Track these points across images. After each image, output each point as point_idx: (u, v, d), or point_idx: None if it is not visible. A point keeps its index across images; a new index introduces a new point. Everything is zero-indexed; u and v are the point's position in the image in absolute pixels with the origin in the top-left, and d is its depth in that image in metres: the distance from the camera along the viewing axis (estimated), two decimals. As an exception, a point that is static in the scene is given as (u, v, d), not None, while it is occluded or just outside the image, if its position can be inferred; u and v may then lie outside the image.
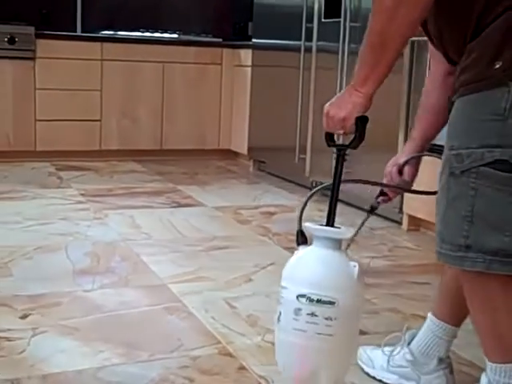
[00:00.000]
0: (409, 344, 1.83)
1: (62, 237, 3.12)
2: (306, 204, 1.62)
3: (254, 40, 5.03)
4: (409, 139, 1.89)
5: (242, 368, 1.91)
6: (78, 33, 5.45)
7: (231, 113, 5.40)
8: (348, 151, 1.57)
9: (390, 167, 1.84)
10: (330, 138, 1.58)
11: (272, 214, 3.69)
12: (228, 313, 2.30)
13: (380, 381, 1.87)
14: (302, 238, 1.56)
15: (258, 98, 4.99)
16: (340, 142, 1.60)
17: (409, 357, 1.81)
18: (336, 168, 1.55)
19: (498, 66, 1.36)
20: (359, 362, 1.93)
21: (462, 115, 1.43)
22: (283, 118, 4.57)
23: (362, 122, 1.50)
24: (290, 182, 4.64)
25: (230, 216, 3.65)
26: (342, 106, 1.51)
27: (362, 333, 1.97)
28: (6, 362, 1.89)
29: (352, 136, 1.54)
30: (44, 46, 4.89)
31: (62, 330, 2.11)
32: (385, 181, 1.87)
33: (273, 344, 2.04)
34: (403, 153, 1.86)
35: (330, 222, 1.53)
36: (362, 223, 1.85)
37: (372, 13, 1.44)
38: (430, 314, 1.80)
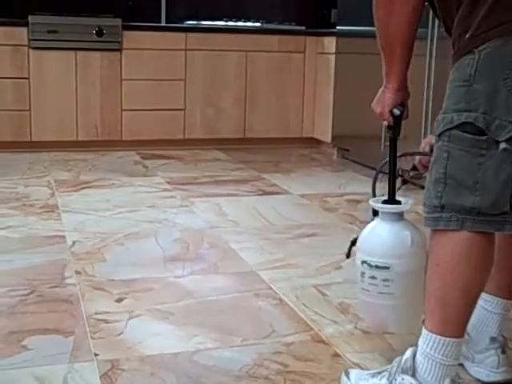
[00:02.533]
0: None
1: (150, 224, 3.17)
2: (375, 180, 1.89)
3: (338, 27, 4.96)
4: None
5: (336, 355, 1.90)
6: (163, 23, 5.53)
7: (314, 101, 5.37)
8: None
9: (424, 144, 1.89)
10: (388, 126, 1.76)
11: (358, 201, 3.64)
12: (319, 300, 2.28)
13: None
14: (375, 211, 1.80)
15: (342, 85, 4.92)
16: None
17: (464, 335, 1.77)
18: (389, 150, 1.79)
19: (467, 36, 1.44)
20: None
21: (448, 84, 1.51)
22: (368, 105, 4.49)
23: (393, 114, 1.71)
24: (375, 170, 4.57)
25: (316, 204, 3.63)
26: (378, 103, 1.73)
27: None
28: (105, 343, 1.94)
29: None
30: (130, 38, 4.98)
31: (156, 314, 2.14)
32: (417, 158, 1.96)
33: (366, 332, 2.04)
34: None
35: (391, 197, 1.78)
36: (396, 190, 1.93)
37: (374, 18, 1.63)
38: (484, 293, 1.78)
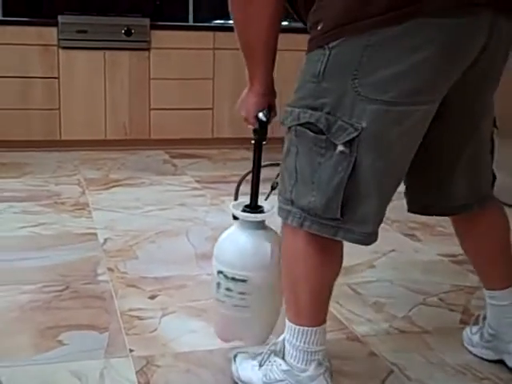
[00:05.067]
0: (485, 319, 1.83)
1: (181, 222, 3.17)
2: (239, 184, 1.80)
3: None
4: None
5: (373, 354, 1.88)
6: (190, 23, 5.53)
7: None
8: None
9: None
10: (254, 130, 1.67)
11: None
12: (353, 298, 2.26)
13: (481, 358, 1.84)
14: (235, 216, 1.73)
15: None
16: None
17: (491, 331, 1.78)
18: (254, 154, 1.69)
19: (319, 28, 1.37)
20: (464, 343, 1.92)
21: (299, 73, 1.44)
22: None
23: (259, 119, 1.61)
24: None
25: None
26: (242, 107, 1.64)
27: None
28: (139, 339, 1.94)
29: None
30: (158, 37, 5.00)
31: (189, 311, 2.14)
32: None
33: (402, 331, 2.02)
34: None
35: (252, 204, 1.69)
36: (266, 198, 1.87)
37: (233, 23, 1.52)
38: (484, 290, 1.79)
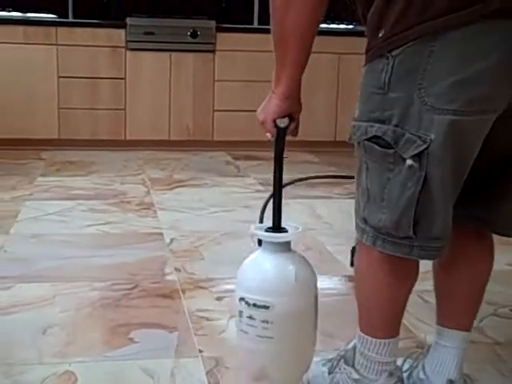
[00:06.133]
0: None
1: (245, 224, 3.16)
2: (265, 205, 1.69)
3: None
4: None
5: (443, 364, 1.85)
6: (255, 25, 5.56)
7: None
8: None
9: None
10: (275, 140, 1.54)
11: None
12: (422, 306, 2.24)
13: None
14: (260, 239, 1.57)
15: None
16: None
17: (421, 375, 1.64)
18: (274, 169, 1.54)
19: (380, 35, 1.29)
20: None
21: (360, 85, 1.38)
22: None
23: (277, 126, 1.48)
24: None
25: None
26: (263, 110, 1.51)
27: None
28: (208, 340, 1.96)
29: None
30: (223, 39, 5.04)
31: (256, 313, 2.15)
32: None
33: (473, 342, 1.98)
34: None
35: (276, 224, 1.53)
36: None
37: (270, 8, 1.41)
38: (435, 325, 1.65)
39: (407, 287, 1.50)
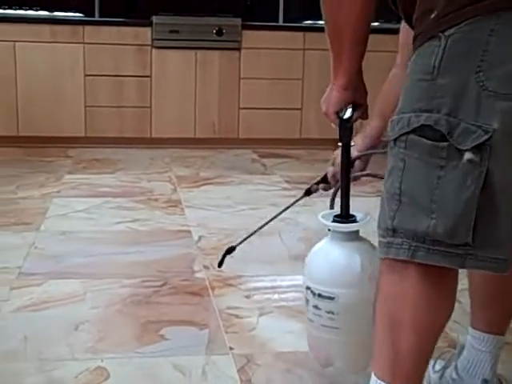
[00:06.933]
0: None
1: (273, 222, 3.17)
2: (335, 194, 1.66)
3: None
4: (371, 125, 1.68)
5: (476, 363, 1.83)
6: (281, 23, 5.55)
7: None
8: None
9: (335, 155, 1.70)
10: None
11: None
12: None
13: None
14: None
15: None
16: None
17: (454, 375, 1.59)
18: (341, 158, 1.52)
19: (432, 16, 1.15)
20: None
21: (406, 76, 1.22)
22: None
23: (339, 117, 1.46)
24: None
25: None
26: (325, 101, 1.48)
27: None
28: (238, 338, 1.96)
29: None
30: (249, 37, 5.04)
31: (286, 311, 2.15)
32: (331, 169, 1.77)
33: (506, 342, 1.96)
34: (363, 139, 1.74)
35: (343, 213, 1.50)
36: (293, 203, 1.75)
37: (321, 5, 1.37)
38: (469, 328, 1.60)
39: (448, 310, 1.27)
